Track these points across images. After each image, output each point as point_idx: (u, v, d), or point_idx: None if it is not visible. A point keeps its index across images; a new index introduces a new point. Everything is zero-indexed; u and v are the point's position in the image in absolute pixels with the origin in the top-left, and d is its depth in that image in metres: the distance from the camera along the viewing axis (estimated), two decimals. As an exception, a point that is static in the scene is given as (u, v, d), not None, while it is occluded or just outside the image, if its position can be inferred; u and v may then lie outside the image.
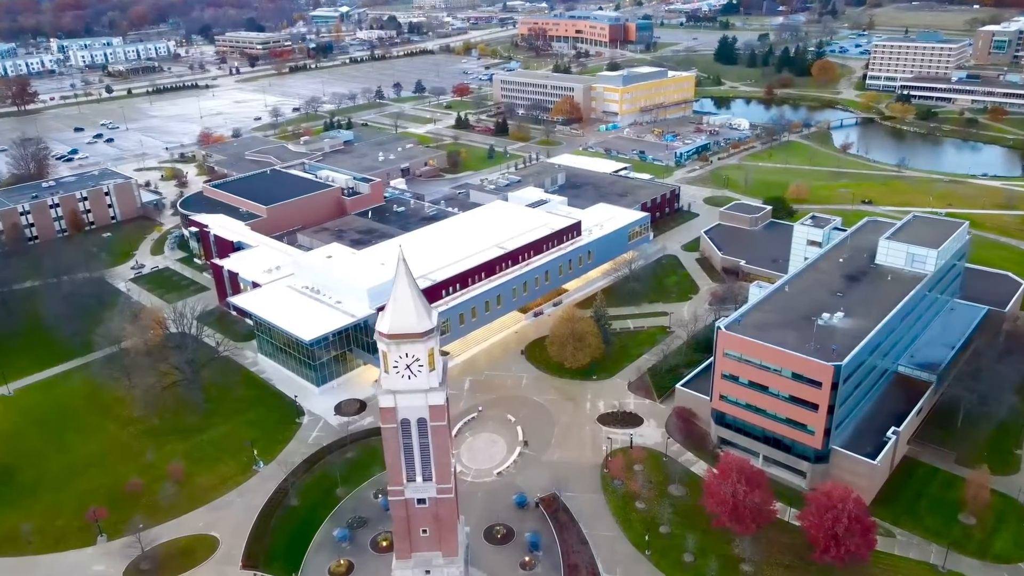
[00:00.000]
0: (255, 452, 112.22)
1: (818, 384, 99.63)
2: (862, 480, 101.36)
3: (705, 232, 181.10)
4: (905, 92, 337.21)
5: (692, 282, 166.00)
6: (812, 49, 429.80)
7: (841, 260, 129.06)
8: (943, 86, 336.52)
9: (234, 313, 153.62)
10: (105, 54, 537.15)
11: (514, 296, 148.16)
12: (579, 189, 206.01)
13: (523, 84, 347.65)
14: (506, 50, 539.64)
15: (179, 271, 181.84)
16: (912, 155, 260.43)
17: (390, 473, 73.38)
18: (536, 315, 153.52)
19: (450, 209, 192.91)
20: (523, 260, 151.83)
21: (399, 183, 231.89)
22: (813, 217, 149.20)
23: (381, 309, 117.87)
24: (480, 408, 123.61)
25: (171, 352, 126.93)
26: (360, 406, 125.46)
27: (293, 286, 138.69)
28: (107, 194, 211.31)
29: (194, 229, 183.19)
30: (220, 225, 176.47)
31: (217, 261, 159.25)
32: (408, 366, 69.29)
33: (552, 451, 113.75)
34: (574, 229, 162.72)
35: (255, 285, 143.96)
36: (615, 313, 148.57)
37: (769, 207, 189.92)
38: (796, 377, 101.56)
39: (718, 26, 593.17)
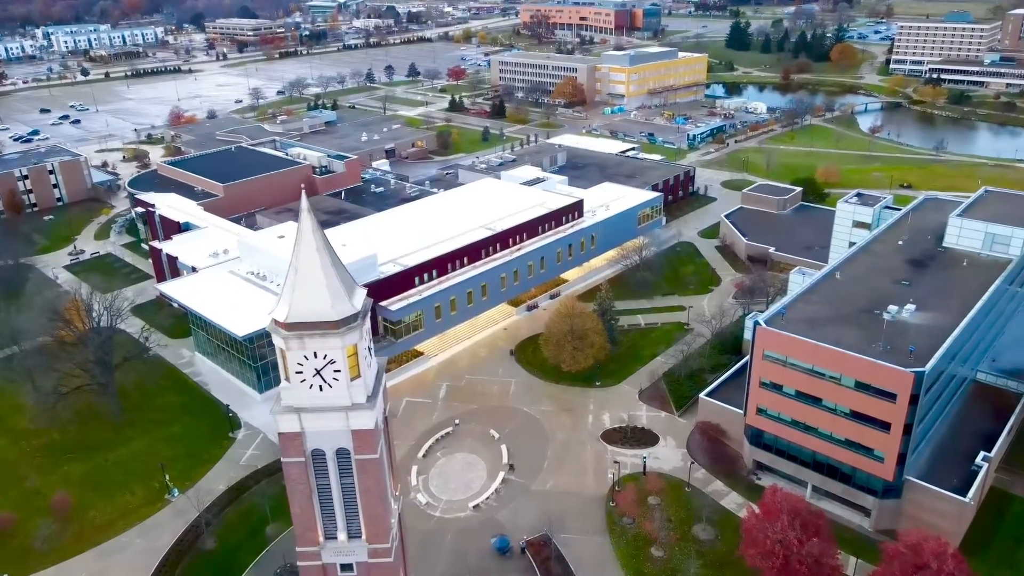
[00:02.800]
0: (167, 477, 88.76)
1: (891, 396, 76.06)
2: (946, 521, 77.90)
3: (726, 216, 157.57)
4: (934, 76, 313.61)
5: (712, 272, 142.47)
6: (831, 34, 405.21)
7: (901, 243, 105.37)
8: (976, 69, 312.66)
9: (175, 305, 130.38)
10: (89, 39, 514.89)
11: (503, 286, 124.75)
12: (582, 170, 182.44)
13: (523, 65, 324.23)
14: (507, 38, 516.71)
15: (122, 257, 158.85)
16: (948, 139, 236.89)
17: (298, 528, 50.06)
18: (529, 309, 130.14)
19: (435, 190, 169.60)
20: (514, 244, 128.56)
21: (382, 164, 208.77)
22: (859, 195, 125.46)
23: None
24: (457, 422, 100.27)
25: (80, 350, 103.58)
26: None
27: (236, 272, 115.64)
28: (52, 172, 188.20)
29: (141, 210, 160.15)
30: (168, 205, 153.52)
31: (156, 244, 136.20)
32: (319, 372, 46.04)
33: (544, 478, 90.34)
34: (575, 209, 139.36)
35: (194, 271, 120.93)
36: (623, 307, 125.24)
37: (799, 189, 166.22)
38: (861, 387, 77.98)
39: (728, 15, 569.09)
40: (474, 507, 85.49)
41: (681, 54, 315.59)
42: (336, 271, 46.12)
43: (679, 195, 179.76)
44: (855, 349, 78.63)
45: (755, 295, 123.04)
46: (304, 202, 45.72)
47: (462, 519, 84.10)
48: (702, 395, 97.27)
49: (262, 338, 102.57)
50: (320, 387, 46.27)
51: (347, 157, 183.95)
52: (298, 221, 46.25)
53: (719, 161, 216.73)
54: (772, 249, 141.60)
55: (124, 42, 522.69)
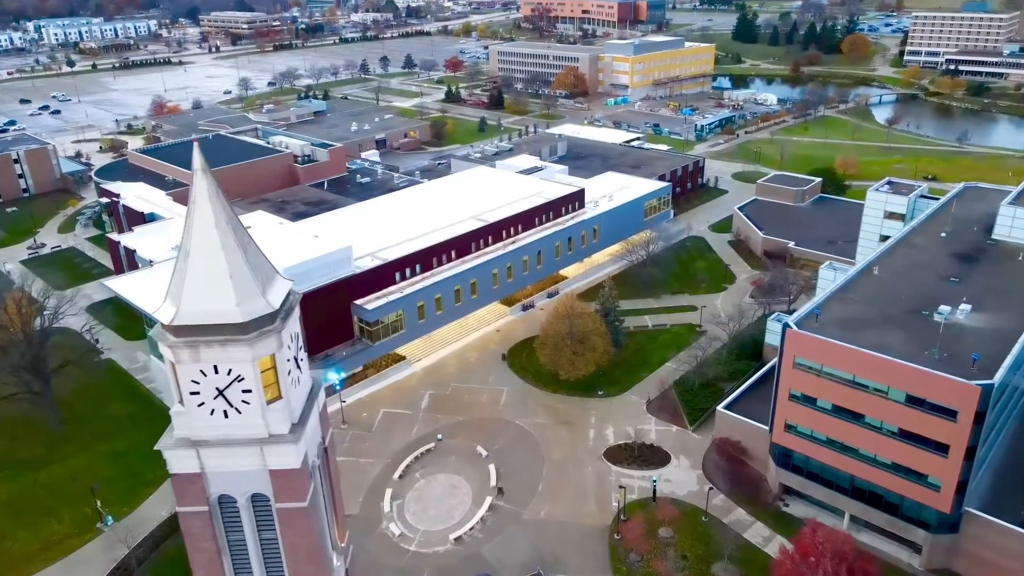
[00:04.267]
0: (98, 503, 76.42)
1: (951, 414, 63.73)
2: (1014, 561, 65.59)
3: (740, 209, 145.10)
4: (951, 67, 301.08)
5: (726, 268, 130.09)
6: (842, 26, 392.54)
7: (944, 235, 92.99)
8: (994, 60, 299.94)
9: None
10: (80, 32, 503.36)
11: (495, 283, 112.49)
12: (583, 160, 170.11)
13: (522, 55, 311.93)
14: (507, 31, 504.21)
15: (86, 251, 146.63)
16: (970, 131, 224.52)
17: (202, 597, 37.82)
18: (525, 308, 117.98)
19: (425, 181, 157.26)
20: (508, 237, 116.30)
21: (371, 155, 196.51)
22: (890, 183, 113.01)
23: (304, 296, 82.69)
24: (440, 436, 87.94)
25: (10, 354, 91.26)
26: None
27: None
28: (16, 162, 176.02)
29: (106, 201, 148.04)
30: (135, 195, 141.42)
31: (114, 236, 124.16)
32: (221, 392, 33.84)
33: (538, 504, 78.05)
34: (576, 199, 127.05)
35: (151, 265, 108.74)
36: (628, 307, 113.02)
37: (818, 179, 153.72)
38: (914, 402, 65.64)
39: (734, 8, 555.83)
40: (455, 540, 73.13)
41: (687, 44, 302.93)
42: (245, 255, 34.11)
43: (688, 187, 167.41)
44: (905, 357, 66.28)
45: (775, 294, 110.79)
46: (198, 159, 33.51)
47: (441, 554, 71.78)
48: (719, 407, 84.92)
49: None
50: (225, 413, 34.07)
51: (331, 146, 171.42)
52: (191, 186, 33.92)
53: (729, 152, 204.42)
54: (791, 244, 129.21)
55: (116, 34, 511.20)
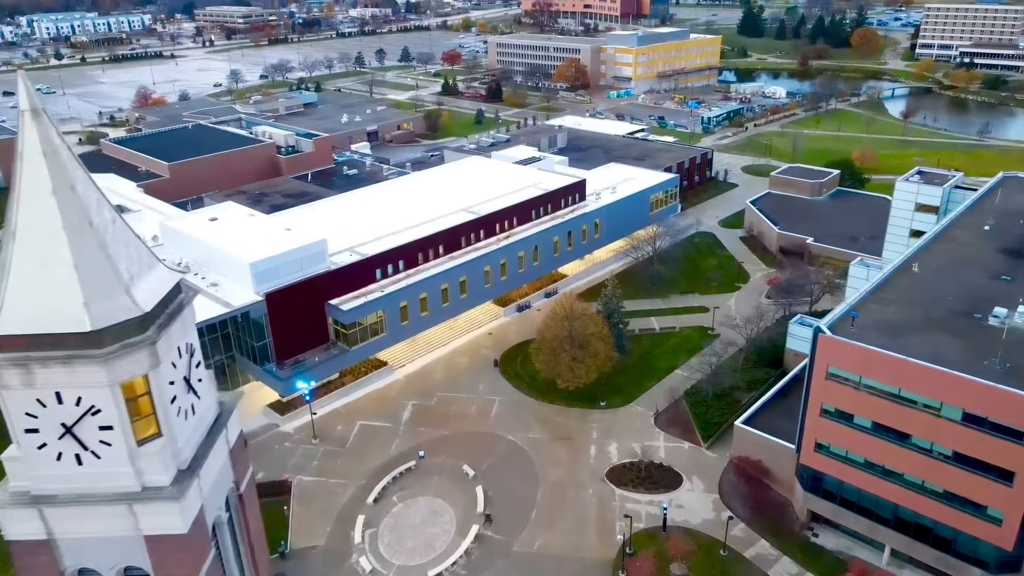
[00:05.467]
0: None
1: (1018, 435, 53.88)
2: (1090, 610, 55.69)
3: (753, 203, 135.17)
4: (966, 60, 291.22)
5: (738, 266, 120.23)
6: (851, 19, 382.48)
7: (987, 228, 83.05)
8: (1010, 52, 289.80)
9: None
10: (72, 26, 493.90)
11: (487, 281, 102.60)
12: (584, 152, 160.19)
13: (522, 47, 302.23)
14: (508, 27, 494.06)
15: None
16: (991, 124, 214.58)
17: None
18: (520, 309, 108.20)
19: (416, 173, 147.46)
20: (502, 231, 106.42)
21: (362, 147, 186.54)
22: (921, 172, 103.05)
23: (272, 294, 73.72)
24: (421, 454, 78.10)
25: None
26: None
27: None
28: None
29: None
30: (103, 186, 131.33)
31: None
32: (70, 430, 23.96)
33: (532, 534, 68.17)
34: (576, 191, 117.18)
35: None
36: (633, 308, 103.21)
37: (836, 172, 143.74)
38: (972, 420, 55.75)
39: (738, 3, 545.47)
40: (436, 577, 63.40)
41: (692, 35, 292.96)
42: (101, 236, 24.11)
43: (695, 180, 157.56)
44: (961, 367, 56.38)
45: (794, 294, 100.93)
46: (25, 96, 23.61)
47: (418, 595, 62.02)
48: (737, 422, 74.98)
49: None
50: (78, 458, 24.28)
51: (314, 135, 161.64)
52: (18, 135, 24.14)
53: (738, 145, 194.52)
54: (810, 240, 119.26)
55: (109, 29, 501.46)
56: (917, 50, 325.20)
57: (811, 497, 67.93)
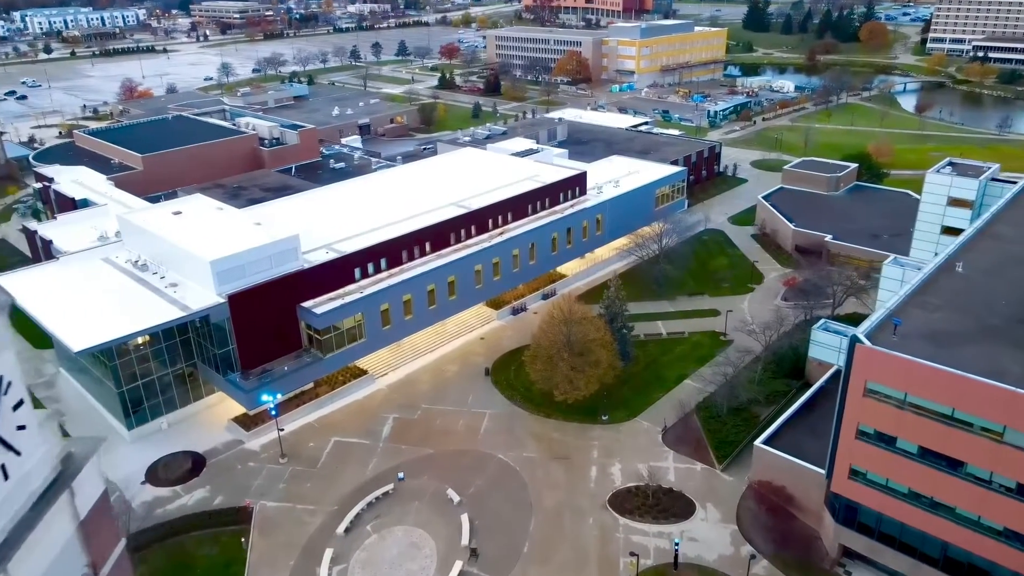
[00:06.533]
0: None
1: (1101, 468, 45.25)
2: None
3: (765, 198, 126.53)
4: (980, 54, 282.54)
5: (751, 266, 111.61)
6: (859, 14, 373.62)
7: (1034, 223, 74.47)
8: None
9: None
10: (65, 20, 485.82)
11: (478, 282, 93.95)
12: (585, 145, 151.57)
13: (522, 40, 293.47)
14: (508, 22, 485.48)
15: (16, 244, 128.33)
16: (1009, 119, 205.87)
17: None
18: (515, 312, 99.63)
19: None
20: (496, 227, 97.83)
21: (353, 140, 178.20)
22: (952, 164, 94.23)
23: (236, 296, 65.57)
24: (401, 475, 69.50)
25: None
26: (191, 466, 71.47)
27: (112, 259, 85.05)
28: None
29: (39, 186, 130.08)
30: (73, 179, 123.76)
31: (32, 224, 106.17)
32: None
33: (523, 571, 59.49)
34: (576, 185, 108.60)
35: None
36: (638, 310, 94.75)
37: (853, 165, 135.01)
38: (1043, 449, 47.14)
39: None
40: (411, 625, 54.76)
41: (697, 28, 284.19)
42: None
43: (703, 175, 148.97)
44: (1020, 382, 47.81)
45: (814, 296, 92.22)
46: None
47: (390, 646, 53.40)
48: (757, 442, 66.28)
49: (127, 352, 72.23)
50: None
51: (300, 127, 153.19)
52: None
53: (746, 139, 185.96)
54: (828, 237, 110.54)
55: (103, 24, 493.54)
56: (928, 44, 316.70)
57: (844, 530, 59.27)
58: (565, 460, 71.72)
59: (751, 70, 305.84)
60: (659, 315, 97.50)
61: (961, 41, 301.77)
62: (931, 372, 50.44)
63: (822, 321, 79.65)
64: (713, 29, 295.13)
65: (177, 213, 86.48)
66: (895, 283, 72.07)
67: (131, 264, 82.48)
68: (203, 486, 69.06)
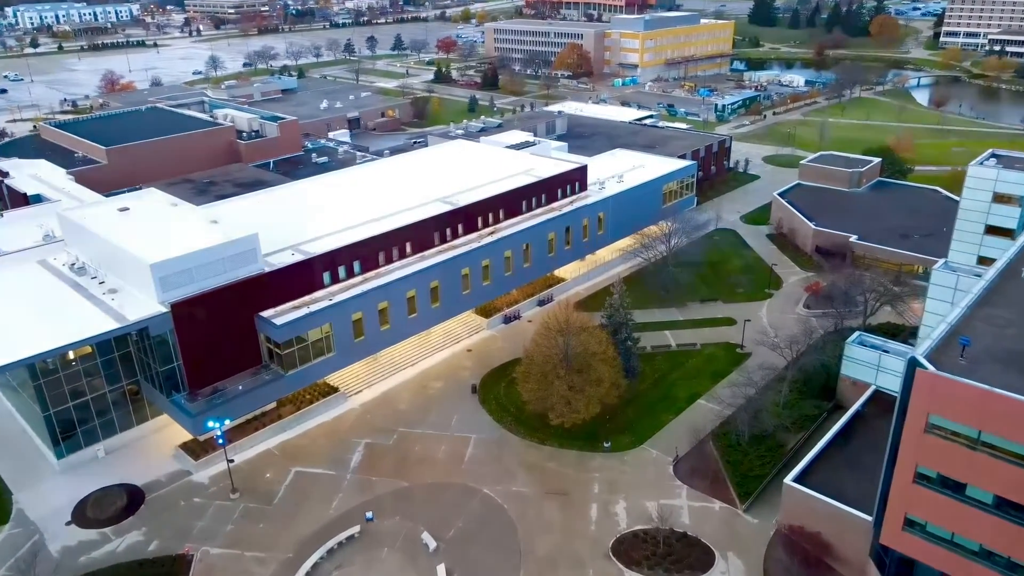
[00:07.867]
0: None
1: None
2: None
3: (781, 195, 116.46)
4: (996, 48, 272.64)
5: (768, 269, 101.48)
6: (869, 8, 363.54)
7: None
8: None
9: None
10: (56, 15, 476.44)
11: (466, 287, 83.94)
12: (586, 139, 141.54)
13: (521, 33, 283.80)
14: (508, 18, 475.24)
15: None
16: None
17: None
18: (507, 320, 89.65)
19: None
20: (486, 226, 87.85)
21: (341, 134, 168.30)
22: (995, 155, 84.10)
23: (181, 305, 55.70)
24: (369, 515, 59.48)
25: None
26: (127, 503, 61.46)
27: (49, 262, 75.12)
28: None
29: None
30: (30, 173, 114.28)
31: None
32: None
33: (509, 639, 49.61)
34: (576, 179, 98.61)
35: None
36: (644, 319, 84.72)
37: (876, 160, 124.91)
38: None
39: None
40: None
41: (703, 20, 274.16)
42: None
43: (712, 171, 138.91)
44: None
45: (840, 303, 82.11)
46: None
47: None
48: (788, 479, 56.23)
49: (53, 370, 62.32)
50: None
51: (281, 119, 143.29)
52: None
53: (757, 134, 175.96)
54: (853, 238, 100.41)
55: (95, 18, 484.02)
56: (941, 38, 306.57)
57: (895, 590, 49.33)
58: (561, 496, 61.69)
59: (758, 65, 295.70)
60: (668, 324, 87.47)
61: (975, 35, 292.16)
62: (1013, 405, 40.47)
63: (857, 334, 69.52)
64: (719, 21, 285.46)
65: (124, 209, 76.49)
66: (946, 291, 62.17)
67: (71, 268, 72.53)
68: (138, 528, 59.09)
